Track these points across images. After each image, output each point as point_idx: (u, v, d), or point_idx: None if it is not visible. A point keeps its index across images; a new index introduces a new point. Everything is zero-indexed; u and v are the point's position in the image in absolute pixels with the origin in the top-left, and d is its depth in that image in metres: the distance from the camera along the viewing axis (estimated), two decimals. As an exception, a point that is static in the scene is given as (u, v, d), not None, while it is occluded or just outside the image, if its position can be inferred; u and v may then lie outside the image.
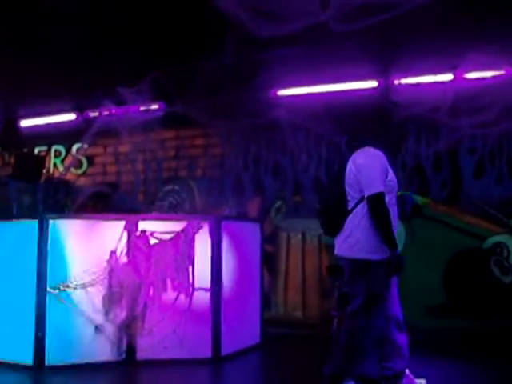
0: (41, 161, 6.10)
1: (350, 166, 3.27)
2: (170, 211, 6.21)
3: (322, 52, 5.45)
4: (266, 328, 5.48)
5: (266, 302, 5.96)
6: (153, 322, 4.68)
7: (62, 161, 6.79)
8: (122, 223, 4.68)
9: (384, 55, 5.63)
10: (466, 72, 5.44)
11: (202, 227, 4.83)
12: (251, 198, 6.09)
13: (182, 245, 4.79)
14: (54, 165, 6.85)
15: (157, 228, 4.80)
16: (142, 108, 6.26)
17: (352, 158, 3.31)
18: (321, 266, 5.88)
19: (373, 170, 3.17)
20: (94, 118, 6.34)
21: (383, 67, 5.73)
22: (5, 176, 5.92)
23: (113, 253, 4.66)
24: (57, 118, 6.64)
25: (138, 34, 5.36)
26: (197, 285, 4.76)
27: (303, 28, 4.78)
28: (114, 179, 6.57)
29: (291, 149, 6.00)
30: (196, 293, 4.77)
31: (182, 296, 4.78)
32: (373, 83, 5.83)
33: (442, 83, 5.57)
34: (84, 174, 6.72)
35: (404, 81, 5.70)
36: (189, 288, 4.77)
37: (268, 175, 6.10)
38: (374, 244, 3.17)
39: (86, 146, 6.53)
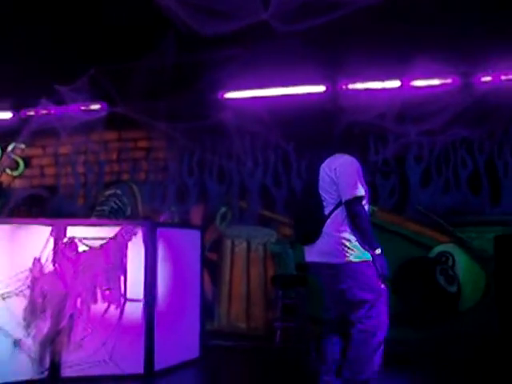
0: None
1: (324, 171, 3.24)
2: (111, 216, 5.81)
3: (268, 54, 5.15)
4: (208, 340, 5.14)
5: (210, 312, 5.62)
6: (80, 336, 4.27)
7: (-4, 162, 6.33)
8: (49, 229, 4.31)
9: (332, 60, 5.38)
10: (413, 79, 5.27)
11: (135, 234, 4.45)
12: (195, 203, 5.76)
13: (114, 252, 4.40)
14: (-11, 166, 6.38)
15: (87, 234, 4.43)
16: (82, 108, 5.86)
17: (326, 163, 3.28)
18: (266, 276, 5.58)
19: (351, 175, 3.16)
20: (32, 117, 5.91)
21: (331, 72, 5.50)
22: None
23: (37, 260, 4.23)
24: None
25: (75, 29, 4.98)
26: (129, 295, 4.40)
27: (247, 28, 4.55)
28: (53, 182, 6.13)
29: (237, 153, 5.71)
30: (128, 304, 4.38)
31: (113, 307, 4.36)
32: (321, 88, 5.61)
33: (390, 90, 5.38)
34: (20, 175, 6.25)
35: (352, 86, 5.49)
36: (120, 299, 4.37)
37: (213, 180, 5.78)
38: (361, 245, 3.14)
39: (21, 146, 6.07)
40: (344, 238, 3.12)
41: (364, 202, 3.21)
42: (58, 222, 4.38)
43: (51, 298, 4.23)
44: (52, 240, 4.26)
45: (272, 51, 5.16)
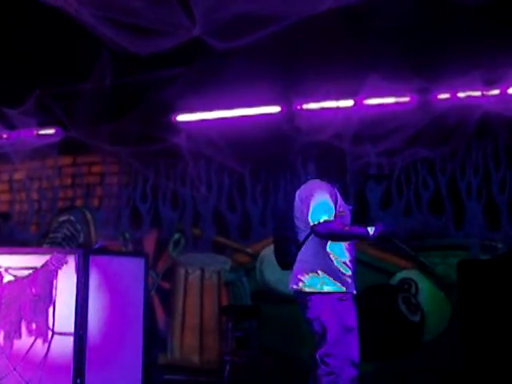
0: None
1: (296, 199, 3.18)
2: (63, 243, 5.48)
3: (219, 74, 4.89)
4: (160, 375, 4.74)
5: (162, 344, 5.21)
6: (1, 374, 3.92)
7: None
8: (-29, 258, 3.98)
9: (286, 79, 5.07)
10: (368, 97, 4.93)
11: (66, 262, 4.09)
12: (149, 230, 5.42)
13: (42, 283, 4.02)
14: None
15: (15, 263, 4.10)
16: (36, 133, 5.60)
17: (299, 191, 3.21)
18: (220, 306, 5.14)
19: (316, 201, 3.01)
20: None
21: (286, 92, 5.18)
22: None
23: (-44, 292, 3.94)
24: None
25: (16, 51, 4.74)
26: (58, 328, 4.03)
27: (189, 45, 4.28)
28: (7, 208, 5.85)
29: (191, 178, 5.37)
30: (56, 338, 4.02)
31: (40, 342, 4.02)
32: (275, 108, 5.28)
33: (345, 109, 5.03)
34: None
35: (307, 106, 5.16)
36: (47, 332, 4.00)
37: (166, 206, 5.45)
38: (342, 275, 3.00)
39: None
40: (314, 267, 2.99)
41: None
42: (-18, 251, 4.08)
43: (-29, 332, 3.89)
44: (-26, 270, 3.98)
45: (223, 70, 4.89)
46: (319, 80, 4.91)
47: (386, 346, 4.69)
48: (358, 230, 3.06)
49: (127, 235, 5.36)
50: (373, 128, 4.86)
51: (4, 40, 4.57)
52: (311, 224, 2.95)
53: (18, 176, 5.79)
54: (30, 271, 3.92)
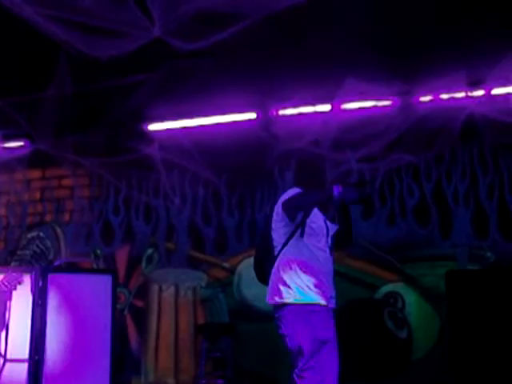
0: None
1: (274, 211, 3.04)
2: (32, 261, 5.17)
3: (188, 79, 4.63)
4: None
5: (136, 366, 4.87)
6: (-50, 405, 3.59)
7: None
8: None
9: (261, 84, 4.81)
10: (346, 102, 4.66)
11: (20, 282, 3.81)
12: (121, 244, 5.11)
13: (-6, 304, 3.76)
14: None
15: (-34, 283, 3.79)
16: (3, 145, 5.33)
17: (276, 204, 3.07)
18: (196, 324, 4.83)
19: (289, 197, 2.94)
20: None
21: (261, 97, 4.91)
22: None
23: None
24: None
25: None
26: (12, 355, 3.70)
27: (153, 50, 4.02)
28: (-25, 225, 5.56)
29: (164, 190, 5.08)
30: (9, 365, 3.69)
31: (-9, 370, 3.71)
32: (251, 115, 5.01)
33: (323, 114, 4.76)
34: None
35: (283, 112, 4.89)
36: (-1, 359, 3.71)
37: (139, 219, 5.14)
38: (308, 287, 2.83)
39: None
40: (286, 280, 2.85)
41: (314, 241, 2.91)
42: None
43: None
44: None
45: (193, 75, 4.62)
46: (295, 84, 4.63)
47: (372, 365, 4.36)
48: (320, 192, 2.98)
49: (98, 251, 5.05)
50: (352, 133, 4.56)
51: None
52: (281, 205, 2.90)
53: (-15, 191, 5.52)
54: (-18, 292, 3.63)
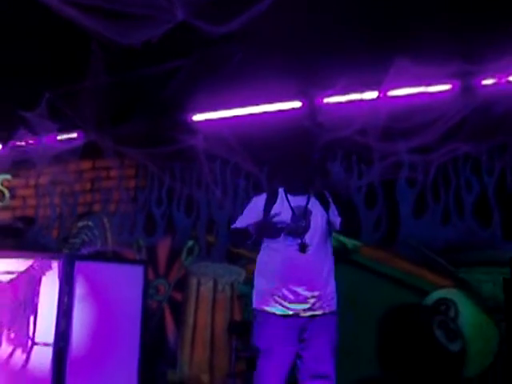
0: None
1: None
2: (81, 249, 5.28)
3: (232, 69, 4.43)
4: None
5: (172, 359, 4.80)
6: (-21, 384, 3.69)
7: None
8: (-44, 261, 3.82)
9: (306, 71, 4.50)
10: (394, 87, 4.21)
11: (50, 268, 3.82)
12: (163, 236, 5.05)
13: (24, 289, 3.78)
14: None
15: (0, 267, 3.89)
16: (59, 137, 5.48)
17: None
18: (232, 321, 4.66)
19: None
20: (14, 148, 5.64)
21: (306, 85, 4.60)
22: None
23: None
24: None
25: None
26: (39, 339, 3.75)
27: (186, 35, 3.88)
28: (33, 213, 5.78)
29: (206, 182, 4.94)
30: (36, 348, 3.74)
31: (19, 351, 3.75)
32: (295, 103, 4.72)
33: (370, 101, 4.36)
34: (6, 207, 5.99)
35: (328, 100, 4.54)
36: (27, 342, 3.73)
37: (180, 211, 5.05)
38: (260, 291, 2.75)
39: (7, 177, 5.83)
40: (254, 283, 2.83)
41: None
42: (-32, 254, 3.91)
43: (-51, 338, 3.71)
44: (-41, 273, 3.82)
45: (232, 63, 4.44)
46: (341, 70, 4.30)
47: (418, 381, 3.92)
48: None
49: (141, 242, 5.04)
50: (403, 121, 4.12)
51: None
52: None
53: (42, 181, 5.72)
54: (12, 277, 3.70)
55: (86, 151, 5.28)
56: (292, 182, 2.81)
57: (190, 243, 4.87)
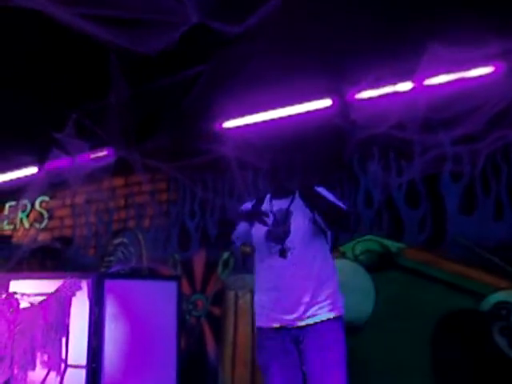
0: None
1: None
2: (117, 267, 5.21)
3: (247, 70, 4.24)
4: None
5: (213, 379, 4.60)
6: (16, 409, 3.61)
7: (28, 215, 6.19)
8: (-11, 283, 3.79)
9: (334, 66, 4.27)
10: (431, 74, 3.90)
11: (79, 288, 3.73)
12: (197, 249, 4.89)
13: (55, 310, 3.67)
14: (21, 220, 6.28)
15: (31, 288, 3.82)
16: (92, 156, 5.46)
17: None
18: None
19: None
20: (51, 170, 5.67)
21: (336, 81, 4.36)
22: None
23: (-29, 320, 3.75)
24: (23, 172, 6.11)
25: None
26: (71, 361, 3.64)
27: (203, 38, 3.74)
28: (70, 233, 5.77)
29: (238, 190, 4.76)
30: (70, 371, 3.62)
31: (53, 374, 3.63)
32: (326, 101, 4.47)
33: (405, 92, 4.06)
34: (45, 228, 6.03)
35: (360, 95, 4.27)
36: (60, 364, 3.63)
37: (214, 223, 4.88)
38: (255, 307, 2.67)
39: (45, 198, 5.88)
40: None
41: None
42: (1, 276, 3.88)
43: (-17, 363, 3.66)
44: (-8, 296, 3.78)
45: (253, 64, 4.25)
46: (370, 62, 4.04)
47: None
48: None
49: (176, 256, 4.91)
50: (444, 110, 3.81)
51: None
52: None
53: (77, 200, 5.72)
54: (44, 297, 3.62)
55: (118, 168, 5.23)
56: (275, 186, 2.68)
57: (226, 255, 4.69)
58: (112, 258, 5.25)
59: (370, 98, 4.18)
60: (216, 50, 3.87)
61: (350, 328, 4.02)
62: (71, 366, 3.50)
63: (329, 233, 2.58)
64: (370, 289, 4.02)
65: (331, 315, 2.43)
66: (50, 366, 3.52)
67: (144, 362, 3.72)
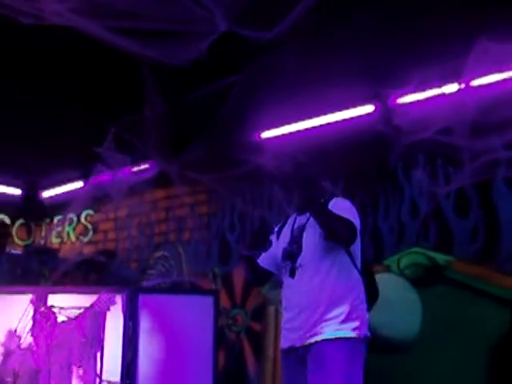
0: (2, 229, 5.63)
1: None
2: (159, 281, 5.18)
3: (283, 77, 4.12)
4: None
5: (254, 396, 4.45)
6: (52, 423, 3.60)
7: (74, 229, 6.30)
8: (29, 297, 3.82)
9: (375, 71, 4.09)
10: (479, 74, 3.62)
11: (114, 303, 3.69)
12: (238, 263, 4.77)
13: (90, 325, 3.64)
14: (68, 233, 6.40)
15: (68, 302, 3.83)
16: (133, 169, 5.50)
17: None
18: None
19: None
20: (94, 184, 5.77)
21: (377, 86, 4.16)
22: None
23: (11, 333, 3.79)
24: (69, 187, 6.24)
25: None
26: (106, 376, 3.60)
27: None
28: (113, 246, 5.81)
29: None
30: (105, 386, 3.60)
31: (88, 390, 3.64)
32: (368, 108, 4.27)
33: (451, 95, 3.80)
34: (89, 241, 6.10)
35: (403, 99, 4.05)
36: (95, 379, 3.60)
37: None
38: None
39: (90, 212, 5.98)
40: None
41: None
42: (39, 290, 3.90)
43: (22, 376, 3.67)
44: (31, 309, 3.81)
45: (296, 72, 4.13)
46: (413, 64, 3.82)
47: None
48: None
49: (216, 270, 4.82)
50: (495, 112, 3.55)
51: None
52: None
53: (120, 214, 5.77)
54: (79, 312, 3.62)
55: (159, 180, 5.23)
56: (296, 201, 2.59)
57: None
58: (153, 272, 5.23)
59: (414, 102, 3.96)
60: (249, 58, 3.77)
61: (394, 347, 3.80)
62: (105, 381, 3.47)
63: (355, 247, 2.40)
64: (417, 305, 3.77)
65: (339, 335, 2.26)
66: (85, 381, 3.50)
67: (179, 379, 3.65)
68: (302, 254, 2.37)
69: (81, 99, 4.60)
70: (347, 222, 2.30)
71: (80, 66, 4.05)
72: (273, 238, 2.61)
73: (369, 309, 2.46)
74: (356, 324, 2.29)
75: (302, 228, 2.42)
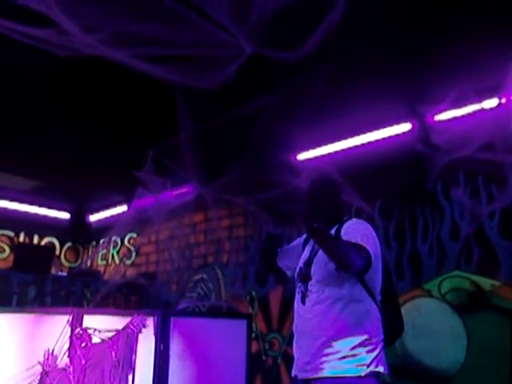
0: (49, 252, 5.77)
1: None
2: (198, 303, 5.17)
3: (322, 96, 4.08)
4: None
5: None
6: None
7: (118, 251, 6.43)
8: (66, 318, 3.89)
9: (412, 87, 3.96)
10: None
11: (145, 325, 3.69)
12: (274, 286, 4.68)
13: (122, 347, 3.66)
14: (112, 256, 6.53)
15: (103, 324, 3.86)
16: (174, 193, 5.59)
17: None
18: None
19: None
20: (137, 207, 5.90)
21: (414, 103, 4.02)
22: (5, 268, 5.71)
23: (48, 353, 3.85)
24: (114, 211, 6.41)
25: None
26: (138, 398, 3.58)
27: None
28: (154, 268, 5.87)
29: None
30: (136, 410, 3.58)
31: (120, 413, 3.62)
32: (405, 126, 4.13)
33: (492, 110, 3.61)
34: (132, 263, 6.20)
35: (441, 116, 3.89)
36: (127, 402, 3.60)
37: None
38: None
39: (133, 235, 6.08)
40: None
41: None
42: (75, 311, 3.97)
43: (58, 397, 3.72)
44: (68, 331, 3.88)
45: (327, 92, 4.08)
46: (450, 79, 3.69)
47: None
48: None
49: (253, 293, 4.76)
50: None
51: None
52: None
53: (161, 236, 5.85)
54: (113, 333, 3.65)
55: (199, 203, 5.29)
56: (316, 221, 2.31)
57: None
58: (192, 294, 5.24)
59: (452, 119, 3.80)
60: (281, 78, 3.77)
61: (437, 377, 3.58)
62: (138, 404, 3.45)
63: (371, 274, 2.17)
64: (461, 333, 3.55)
65: (337, 373, 2.06)
66: (117, 403, 3.49)
67: (212, 403, 3.57)
68: (312, 279, 2.24)
69: (122, 126, 4.75)
70: (359, 249, 2.09)
71: (119, 96, 4.18)
72: (297, 246, 2.55)
73: (390, 343, 2.29)
74: (360, 361, 2.08)
75: (315, 252, 2.30)
